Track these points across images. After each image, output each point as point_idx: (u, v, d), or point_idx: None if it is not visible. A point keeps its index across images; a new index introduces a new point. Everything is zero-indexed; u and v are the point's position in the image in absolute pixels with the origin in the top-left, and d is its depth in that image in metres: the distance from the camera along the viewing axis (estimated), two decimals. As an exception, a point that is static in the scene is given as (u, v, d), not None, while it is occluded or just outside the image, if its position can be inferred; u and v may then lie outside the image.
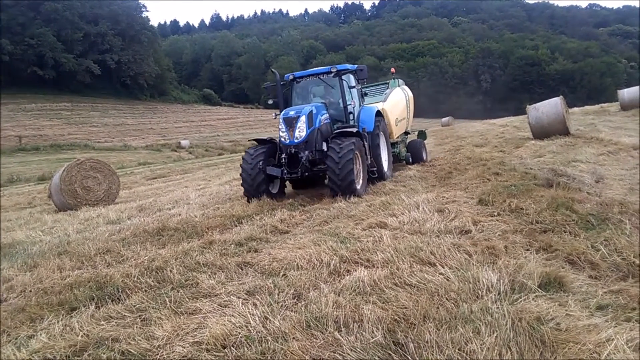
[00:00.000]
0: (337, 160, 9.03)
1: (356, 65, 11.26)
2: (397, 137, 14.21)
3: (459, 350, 3.09)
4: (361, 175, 9.89)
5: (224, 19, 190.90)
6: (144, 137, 62.89)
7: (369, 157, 10.63)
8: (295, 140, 9.66)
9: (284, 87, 11.28)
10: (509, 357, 2.98)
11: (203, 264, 5.58)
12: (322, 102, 10.73)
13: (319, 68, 11.40)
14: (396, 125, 13.66)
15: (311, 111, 9.82)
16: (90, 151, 46.87)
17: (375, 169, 10.94)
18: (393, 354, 3.17)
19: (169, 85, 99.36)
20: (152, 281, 5.15)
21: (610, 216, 5.84)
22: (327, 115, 10.57)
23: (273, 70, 11.41)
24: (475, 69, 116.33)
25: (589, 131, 16.82)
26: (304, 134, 9.62)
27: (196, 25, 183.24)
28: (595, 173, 8.91)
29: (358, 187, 9.53)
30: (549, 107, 16.06)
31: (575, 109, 31.89)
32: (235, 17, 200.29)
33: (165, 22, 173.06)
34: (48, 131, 57.18)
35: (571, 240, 5.18)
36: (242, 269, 5.34)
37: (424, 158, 14.78)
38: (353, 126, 10.73)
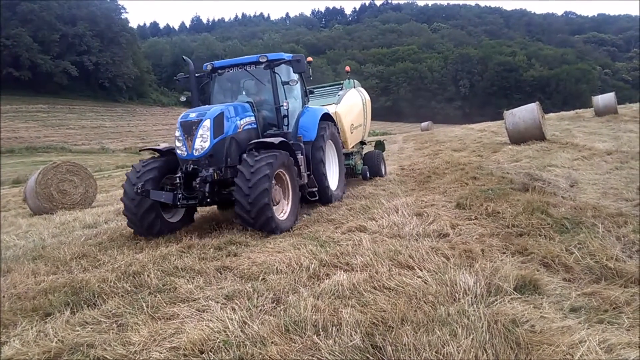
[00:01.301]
0: (248, 178, 6.79)
1: (291, 55, 8.82)
2: (353, 147, 12.21)
3: (436, 352, 3.12)
4: (288, 202, 7.73)
5: (205, 21, 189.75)
6: (123, 139, 62.12)
7: (305, 174, 8.49)
8: (195, 154, 7.27)
9: (201, 79, 9.04)
10: (485, 359, 3.02)
11: (181, 269, 5.53)
12: (247, 102, 8.41)
13: (246, 57, 8.96)
14: (351, 133, 11.78)
15: (221, 113, 7.51)
16: (67, 154, 46.08)
17: (316, 189, 8.84)
18: (371, 357, 3.19)
19: (148, 88, 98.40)
20: (129, 286, 5.08)
21: (584, 220, 5.99)
22: (254, 118, 8.28)
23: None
24: (454, 75, 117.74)
25: (564, 136, 17.18)
26: (207, 144, 7.26)
27: (176, 27, 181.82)
28: (569, 177, 9.11)
29: (282, 217, 7.38)
30: (526, 113, 16.36)
31: (551, 114, 32.46)
32: (216, 19, 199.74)
33: (144, 24, 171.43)
34: (24, 133, 56.10)
35: (546, 244, 5.30)
36: (221, 273, 5.31)
37: (383, 173, 13.02)
38: (284, 134, 8.41)
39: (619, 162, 10.61)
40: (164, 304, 4.46)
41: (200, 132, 7.29)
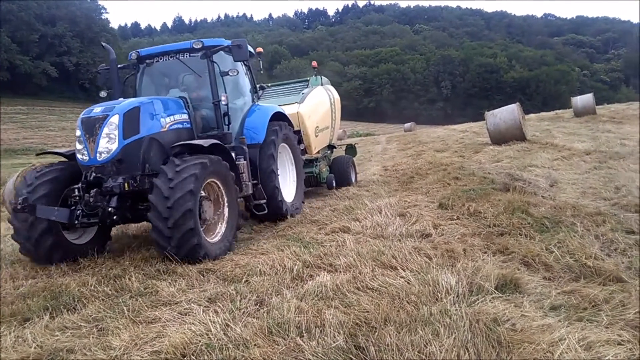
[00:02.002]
0: (167, 195, 5.40)
1: (231, 41, 7.39)
2: (317, 152, 11.00)
3: (418, 352, 3.14)
4: (223, 220, 6.36)
5: (187, 22, 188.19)
6: (104, 141, 61.30)
7: (249, 183, 7.19)
8: (99, 158, 5.91)
9: (126, 71, 7.79)
10: (467, 358, 3.05)
11: (163, 272, 5.47)
12: (180, 97, 7.18)
13: (178, 43, 7.71)
14: (316, 136, 10.63)
15: (136, 108, 6.19)
16: (46, 156, 45.36)
17: (264, 201, 7.53)
18: (354, 358, 3.19)
19: (130, 89, 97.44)
20: (110, 290, 5.01)
21: (563, 219, 6.09)
22: (186, 116, 6.98)
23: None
24: (436, 76, 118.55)
25: (544, 137, 17.41)
26: (114, 146, 5.90)
27: (158, 28, 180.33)
28: (549, 177, 9.24)
29: (214, 239, 6.08)
30: (506, 114, 16.55)
31: (531, 115, 32.93)
32: (199, 20, 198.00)
33: (126, 24, 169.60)
34: (2, 135, 54.93)
35: (526, 243, 5.38)
36: (203, 276, 5.27)
37: (352, 180, 11.78)
38: (223, 135, 7.14)
39: (598, 162, 10.80)
40: (146, 308, 4.41)
41: (105, 130, 5.88)
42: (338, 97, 12.47)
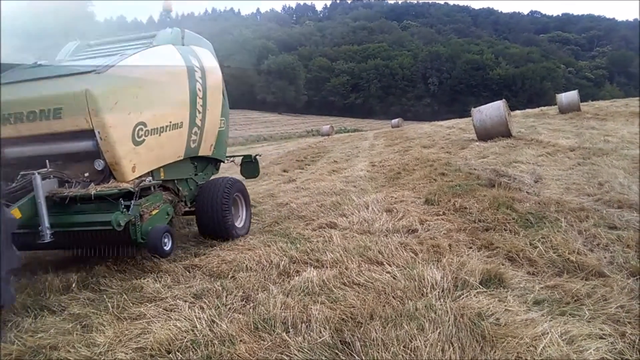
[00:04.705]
0: None
1: None
2: (142, 178, 5.31)
3: (403, 347, 3.16)
4: None
5: (174, 16, 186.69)
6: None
7: None
8: None
9: None
10: (451, 353, 3.07)
11: (148, 268, 5.43)
12: None
13: None
14: (137, 143, 5.16)
15: None
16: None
17: None
18: (340, 353, 3.20)
19: None
20: (94, 286, 4.96)
21: (547, 214, 6.15)
22: None
23: None
24: (423, 72, 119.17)
25: (530, 133, 17.55)
26: None
27: (144, 21, 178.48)
28: (534, 173, 9.32)
29: None
30: (492, 110, 16.66)
31: (517, 112, 33.18)
32: (186, 14, 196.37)
33: (111, 18, 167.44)
34: None
35: (511, 238, 5.42)
36: (189, 272, 5.23)
37: (237, 225, 6.60)
38: None
39: (582, 158, 10.90)
40: (130, 304, 4.36)
41: None
42: (219, 73, 7.00)
